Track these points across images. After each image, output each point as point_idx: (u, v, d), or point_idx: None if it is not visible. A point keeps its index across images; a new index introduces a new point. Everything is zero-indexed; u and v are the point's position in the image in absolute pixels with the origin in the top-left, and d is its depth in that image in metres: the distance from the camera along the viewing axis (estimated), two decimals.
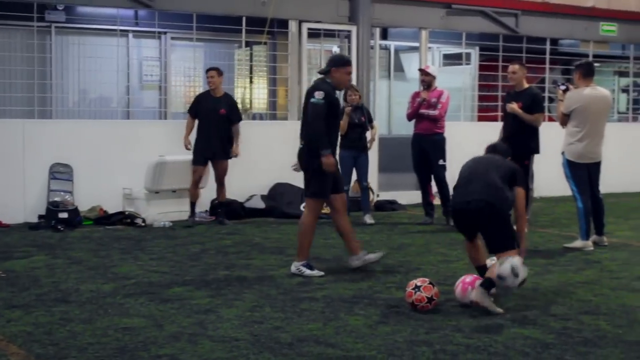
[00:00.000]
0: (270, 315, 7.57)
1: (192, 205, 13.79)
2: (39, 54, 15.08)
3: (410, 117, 13.73)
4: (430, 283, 7.88)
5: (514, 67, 13.12)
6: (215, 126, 13.53)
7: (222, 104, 13.59)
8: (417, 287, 7.81)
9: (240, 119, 13.92)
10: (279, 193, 15.25)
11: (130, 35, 16.84)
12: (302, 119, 9.96)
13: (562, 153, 11.39)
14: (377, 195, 16.36)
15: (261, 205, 14.94)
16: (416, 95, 13.93)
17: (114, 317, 7.48)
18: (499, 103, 16.87)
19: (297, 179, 15.33)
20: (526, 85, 13.09)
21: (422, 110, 13.63)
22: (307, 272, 9.46)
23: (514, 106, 12.70)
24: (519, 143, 12.26)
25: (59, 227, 13.03)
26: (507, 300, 8.07)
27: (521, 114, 12.66)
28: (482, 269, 8.39)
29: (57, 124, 14.74)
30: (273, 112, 17.52)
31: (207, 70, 13.94)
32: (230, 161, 13.98)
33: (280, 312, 7.69)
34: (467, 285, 7.91)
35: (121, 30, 15.98)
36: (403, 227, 13.84)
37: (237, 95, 17.70)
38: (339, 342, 6.70)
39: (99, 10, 16.19)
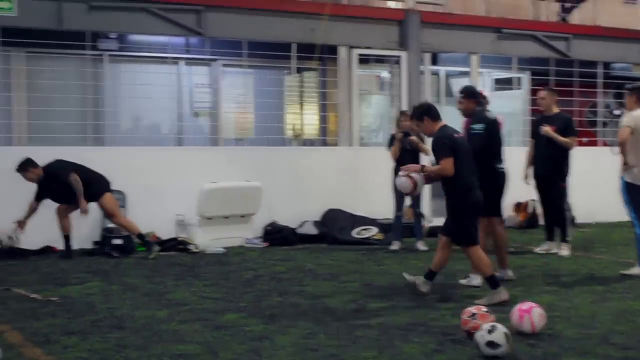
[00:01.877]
0: (325, 342, 7.51)
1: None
2: (92, 82, 15.25)
3: None
4: (486, 310, 7.79)
5: (543, 93, 13.38)
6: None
7: None
8: (473, 315, 7.70)
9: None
10: (331, 219, 15.24)
11: (182, 62, 16.94)
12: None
13: (621, 177, 11.20)
14: (430, 222, 16.26)
15: (313, 231, 14.95)
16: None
17: (169, 344, 7.46)
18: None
19: (349, 205, 15.42)
20: (556, 110, 13.25)
21: None
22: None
23: (548, 129, 12.79)
24: (554, 166, 12.99)
25: (113, 253, 13.11)
26: (565, 328, 7.96)
27: (556, 137, 12.84)
28: None
29: (110, 151, 14.87)
30: (324, 137, 17.53)
31: None
32: (281, 187, 14.07)
33: (335, 339, 7.62)
34: (523, 312, 7.79)
35: (173, 58, 16.12)
36: (457, 253, 13.67)
37: (287, 121, 17.75)
38: None
39: (151, 38, 16.31)
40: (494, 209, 10.60)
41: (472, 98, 10.73)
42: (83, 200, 12.86)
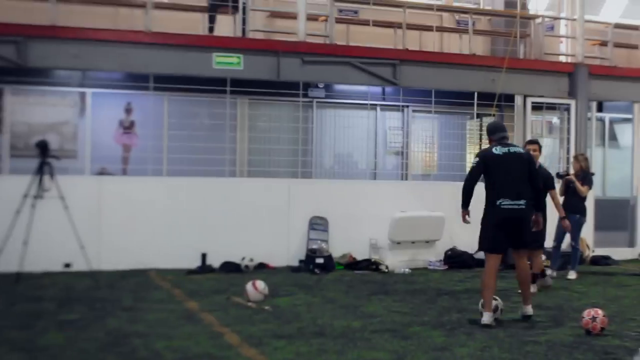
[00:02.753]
0: (499, 355, 7.38)
1: None
2: (302, 125, 15.57)
3: None
4: (604, 315, 8.46)
5: None
6: None
7: None
8: (594, 319, 8.43)
9: None
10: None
11: (378, 108, 17.07)
12: None
13: None
14: (593, 251, 15.77)
15: None
16: None
17: (363, 350, 7.49)
18: None
19: None
20: None
21: None
22: None
23: None
24: None
25: (316, 270, 13.30)
26: None
27: None
28: None
29: (316, 183, 15.13)
30: None
31: None
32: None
33: (507, 352, 7.49)
34: None
35: (370, 104, 16.29)
36: (617, 280, 13.25)
37: (468, 160, 17.59)
38: None
39: (353, 88, 16.51)
40: None
41: None
42: None
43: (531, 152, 11.34)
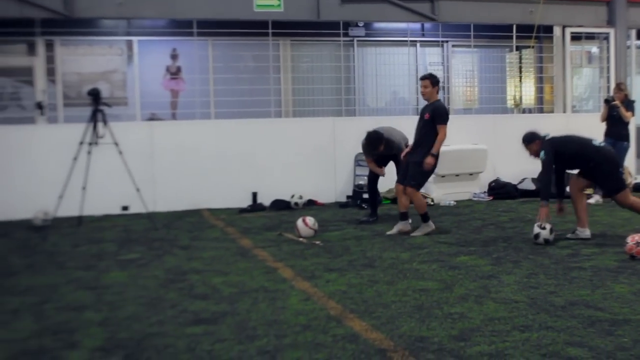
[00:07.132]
0: (545, 281, 7.42)
1: None
2: (344, 64, 15.54)
3: None
4: None
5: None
6: None
7: None
8: (638, 243, 8.39)
9: None
10: None
11: (418, 44, 16.97)
12: None
13: None
14: (635, 178, 15.66)
15: (531, 187, 14.69)
16: None
17: (412, 280, 7.57)
18: None
19: None
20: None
21: None
22: None
23: None
24: None
25: (364, 205, 13.37)
26: None
27: None
28: None
29: (360, 120, 15.09)
30: (540, 106, 17.18)
31: None
32: (504, 148, 13.90)
33: (553, 279, 7.53)
34: None
35: (411, 41, 16.19)
36: None
37: (508, 93, 17.51)
38: (607, 306, 6.46)
39: (392, 25, 16.42)
40: None
41: None
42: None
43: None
